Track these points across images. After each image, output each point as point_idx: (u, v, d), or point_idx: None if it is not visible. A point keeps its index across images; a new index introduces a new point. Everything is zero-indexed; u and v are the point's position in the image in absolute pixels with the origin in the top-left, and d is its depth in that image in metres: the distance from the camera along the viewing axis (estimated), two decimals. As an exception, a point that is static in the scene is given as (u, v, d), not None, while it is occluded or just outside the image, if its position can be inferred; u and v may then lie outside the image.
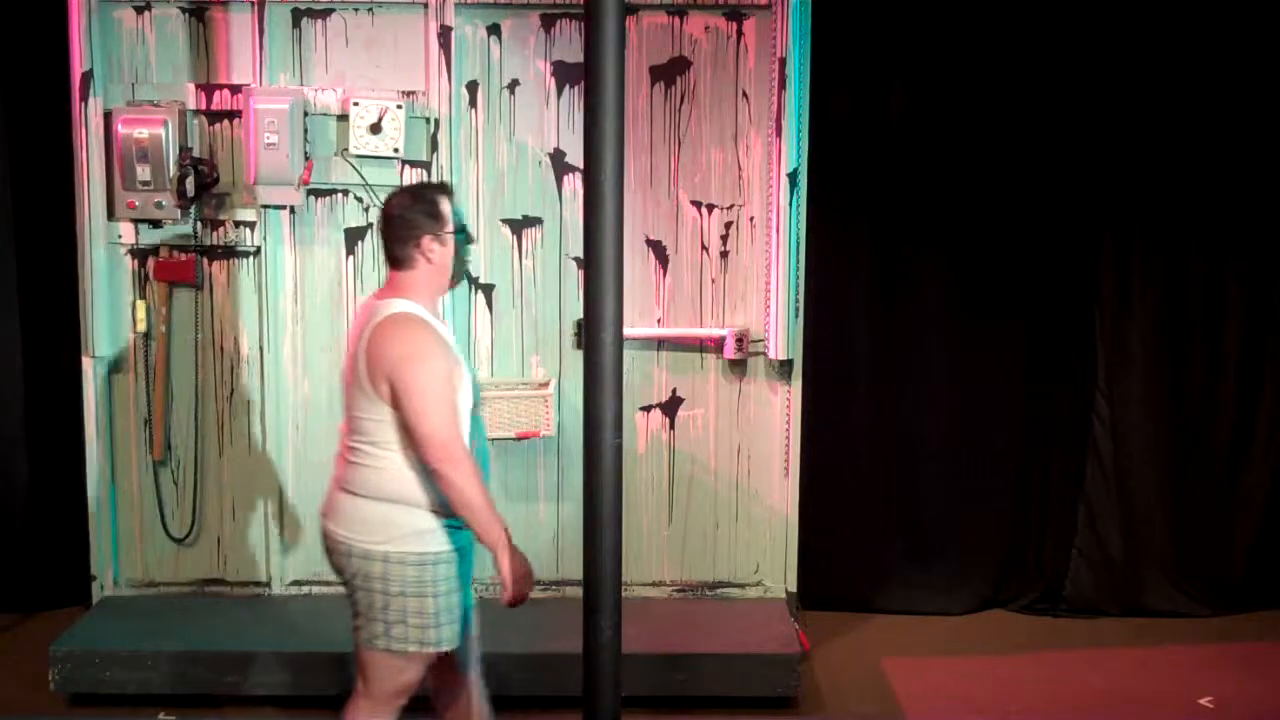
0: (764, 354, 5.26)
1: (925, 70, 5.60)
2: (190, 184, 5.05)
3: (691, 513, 5.38)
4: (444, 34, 5.09)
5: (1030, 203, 5.67)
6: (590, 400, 3.22)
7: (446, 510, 3.54)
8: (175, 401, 5.28)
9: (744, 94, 5.19)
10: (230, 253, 5.22)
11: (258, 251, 5.21)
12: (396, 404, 3.48)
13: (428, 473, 3.50)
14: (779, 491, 5.34)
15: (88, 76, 5.04)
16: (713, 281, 5.29)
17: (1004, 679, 5.24)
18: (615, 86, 3.12)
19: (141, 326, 5.23)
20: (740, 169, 5.23)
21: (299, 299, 5.24)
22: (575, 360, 5.10)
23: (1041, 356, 5.79)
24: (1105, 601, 5.86)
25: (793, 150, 5.10)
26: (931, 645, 5.56)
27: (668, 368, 5.32)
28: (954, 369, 5.77)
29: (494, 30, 5.14)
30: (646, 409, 5.33)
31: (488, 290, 5.24)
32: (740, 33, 5.16)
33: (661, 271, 5.28)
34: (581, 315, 4.74)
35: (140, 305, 5.22)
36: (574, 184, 5.17)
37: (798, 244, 5.17)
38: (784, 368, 5.27)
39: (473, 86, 5.17)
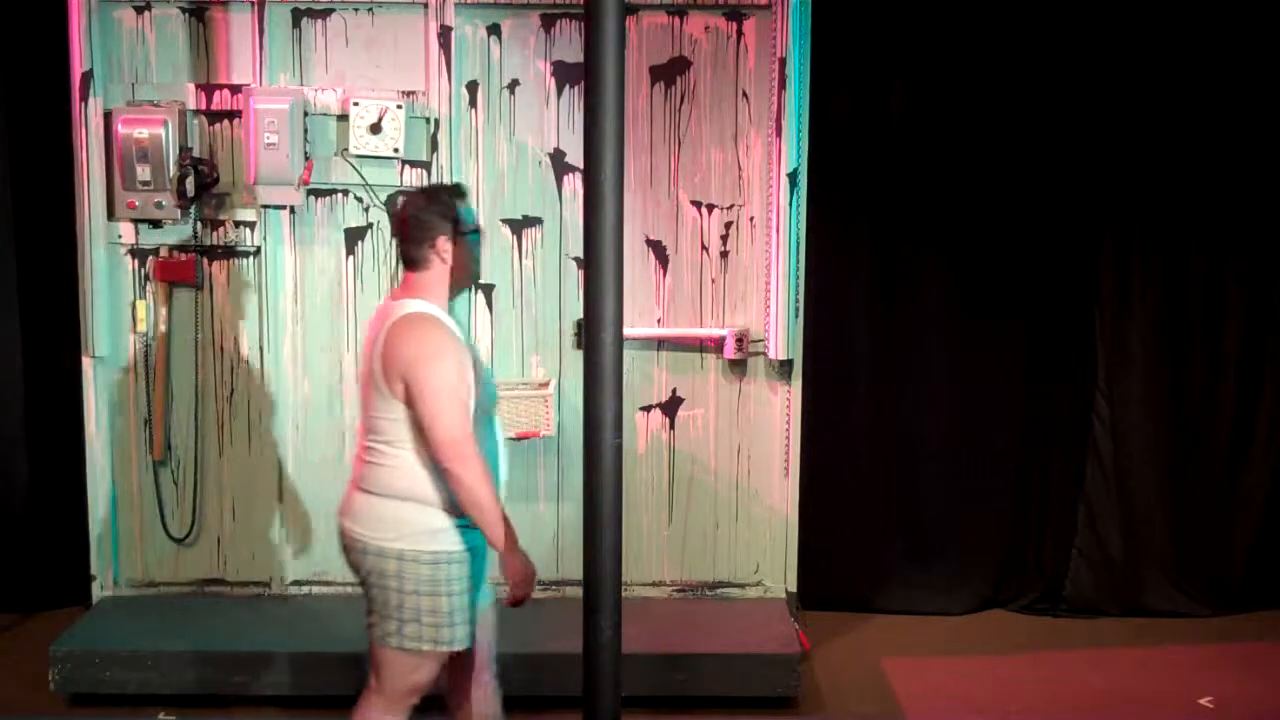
0: (764, 354, 5.26)
1: (925, 70, 5.60)
2: (190, 184, 5.05)
3: (691, 513, 5.38)
4: (444, 34, 5.09)
5: (1030, 203, 5.67)
6: (590, 400, 3.22)
7: (458, 510, 3.56)
8: (175, 401, 5.28)
9: (744, 94, 5.19)
10: (230, 253, 5.22)
11: (258, 251, 5.22)
12: (410, 403, 3.51)
13: (439, 471, 3.53)
14: (779, 491, 5.34)
15: (88, 76, 5.04)
16: (713, 281, 5.29)
17: (1004, 679, 5.24)
18: (615, 86, 3.12)
19: (141, 326, 5.23)
20: (740, 169, 5.23)
21: (299, 299, 5.24)
22: (575, 360, 5.10)
23: (1041, 356, 5.80)
24: (1105, 601, 5.87)
25: (793, 150, 5.10)
26: (931, 645, 5.56)
27: (668, 368, 5.32)
28: (954, 369, 5.77)
29: (494, 30, 5.14)
30: (646, 409, 5.33)
31: (488, 290, 5.24)
32: (740, 33, 5.16)
33: (661, 271, 5.28)
34: (581, 315, 4.74)
35: (140, 305, 5.22)
36: (574, 184, 5.17)
37: (798, 244, 5.17)
38: (784, 368, 5.27)
39: (473, 86, 5.17)
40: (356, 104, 5.05)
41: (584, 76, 3.15)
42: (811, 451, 5.46)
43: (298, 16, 5.12)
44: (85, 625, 5.07)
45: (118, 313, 5.23)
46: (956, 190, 5.65)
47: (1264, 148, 5.63)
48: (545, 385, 5.23)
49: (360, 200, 5.20)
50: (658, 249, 5.27)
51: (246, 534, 5.34)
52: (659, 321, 5.30)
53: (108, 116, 5.08)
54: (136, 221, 5.16)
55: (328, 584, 5.36)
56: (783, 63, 5.07)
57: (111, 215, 5.13)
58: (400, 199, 3.76)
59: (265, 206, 5.17)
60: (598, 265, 3.17)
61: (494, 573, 3.73)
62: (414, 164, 5.15)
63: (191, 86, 5.13)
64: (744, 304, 5.29)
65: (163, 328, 5.24)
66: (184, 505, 5.33)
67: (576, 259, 5.16)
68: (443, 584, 3.58)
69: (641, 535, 5.35)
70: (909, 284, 5.74)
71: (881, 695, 5.08)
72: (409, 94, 5.10)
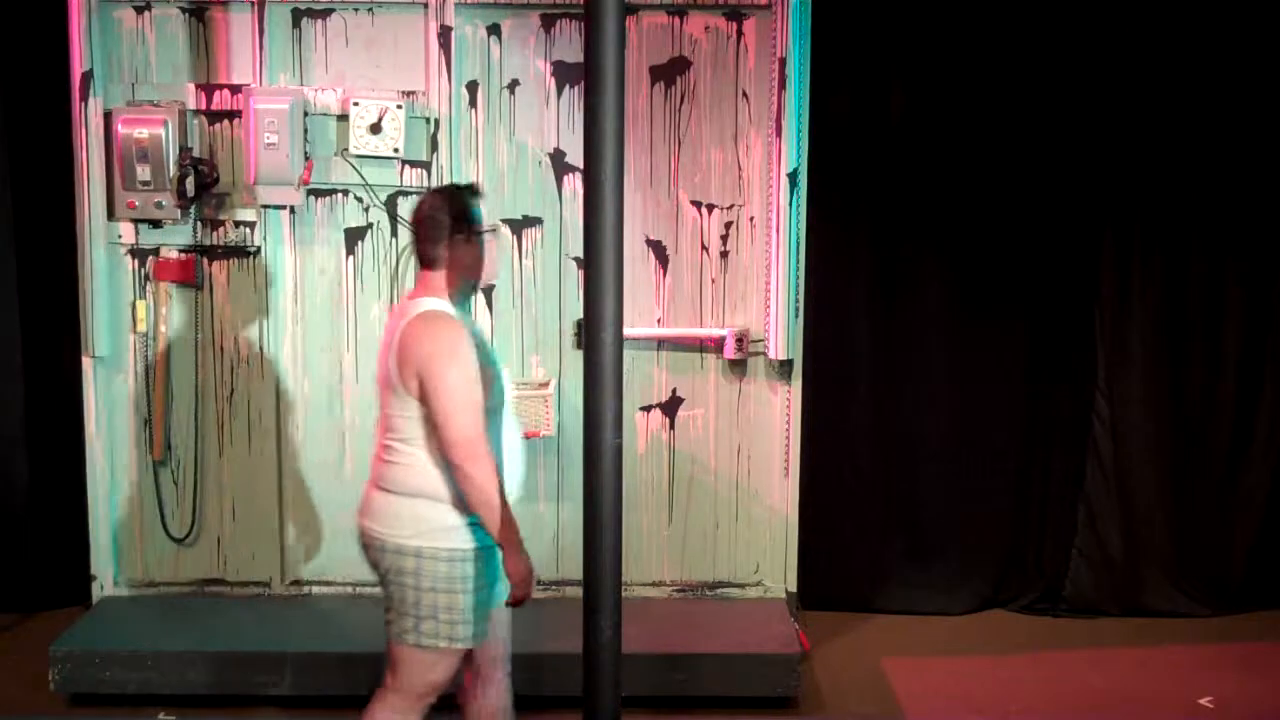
0: (764, 354, 5.26)
1: (925, 70, 5.60)
2: (190, 184, 5.05)
3: (691, 513, 5.38)
4: (444, 34, 5.09)
5: (1030, 203, 5.67)
6: (590, 400, 3.22)
7: (469, 507, 3.59)
8: (175, 401, 5.28)
9: (744, 94, 5.19)
10: (230, 253, 5.22)
11: (258, 251, 5.22)
12: (424, 400, 3.54)
13: (450, 468, 3.55)
14: (779, 491, 5.34)
15: (88, 76, 5.04)
16: (713, 281, 5.29)
17: (1004, 679, 5.24)
18: (615, 86, 3.12)
19: (141, 326, 5.23)
20: (740, 169, 5.23)
21: (299, 299, 5.24)
22: (575, 360, 5.10)
23: (1041, 356, 5.80)
24: (1105, 601, 5.87)
25: (793, 150, 5.10)
26: (931, 645, 5.56)
27: (668, 368, 5.32)
28: (954, 369, 5.77)
29: (494, 30, 5.14)
30: (646, 409, 5.33)
31: (488, 290, 5.23)
32: (740, 33, 5.16)
33: (661, 271, 5.28)
34: (581, 315, 4.74)
35: (140, 305, 5.22)
36: (574, 184, 5.17)
37: (798, 244, 5.17)
38: (784, 368, 5.27)
39: (473, 86, 5.17)
40: (356, 104, 5.05)
41: (584, 76, 3.15)
42: (811, 451, 5.46)
43: (298, 16, 5.12)
44: (85, 625, 5.07)
45: (118, 313, 5.23)
46: (956, 190, 5.65)
47: (1264, 148, 5.63)
48: (545, 385, 5.23)
49: (360, 200, 5.20)
50: (658, 249, 5.27)
51: (246, 534, 5.34)
52: (659, 321, 5.30)
53: (108, 116, 5.08)
54: (136, 221, 5.16)
55: (328, 584, 5.36)
56: (783, 63, 5.07)
57: (111, 215, 5.13)
58: (417, 199, 3.79)
59: (265, 206, 5.17)
60: (598, 265, 3.17)
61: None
62: (414, 164, 5.15)
63: (191, 86, 5.13)
64: (744, 304, 5.29)
65: (163, 328, 5.24)
66: (184, 505, 5.33)
67: (576, 259, 5.16)
68: (459, 581, 3.60)
69: (641, 535, 5.35)
70: (909, 284, 5.74)
71: (881, 695, 5.08)
72: (409, 94, 5.10)
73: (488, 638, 3.74)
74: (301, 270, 5.23)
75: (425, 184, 5.15)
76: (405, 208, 5.18)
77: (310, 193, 5.18)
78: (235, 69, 5.13)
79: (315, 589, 5.35)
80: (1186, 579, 5.87)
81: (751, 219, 5.25)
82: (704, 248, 5.27)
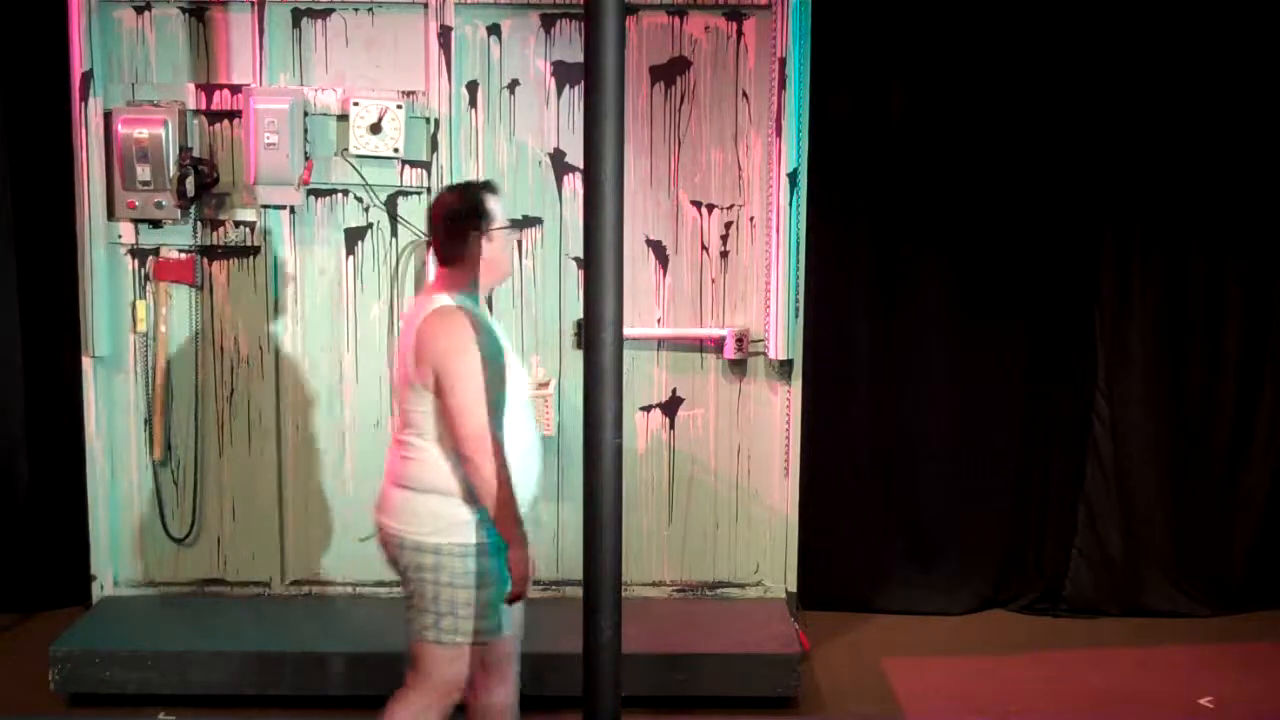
0: (764, 354, 5.26)
1: (925, 70, 5.60)
2: (190, 184, 5.05)
3: (691, 513, 5.38)
4: (444, 34, 5.09)
5: (1030, 203, 5.67)
6: (590, 400, 3.22)
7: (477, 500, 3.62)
8: (175, 401, 5.28)
9: (744, 94, 5.19)
10: (230, 253, 5.22)
11: (258, 251, 5.22)
12: (439, 394, 3.58)
13: (461, 462, 3.59)
14: (779, 491, 5.34)
15: (88, 76, 5.04)
16: (713, 281, 5.29)
17: (1004, 679, 5.24)
18: (615, 86, 3.12)
19: (141, 326, 5.23)
20: (740, 169, 5.23)
21: (299, 299, 5.24)
22: (575, 360, 5.10)
23: (1041, 356, 5.80)
24: (1105, 601, 5.87)
25: (793, 150, 5.10)
26: (931, 645, 5.56)
27: (668, 368, 5.32)
28: (954, 369, 5.77)
29: (494, 30, 5.14)
30: (646, 409, 5.33)
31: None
32: (740, 33, 5.16)
33: (661, 271, 5.28)
34: (581, 315, 4.74)
35: (140, 305, 5.22)
36: (574, 184, 5.17)
37: (798, 244, 5.17)
38: (784, 368, 5.27)
39: (473, 86, 5.16)
40: (356, 104, 5.05)
41: (584, 76, 3.15)
42: (811, 451, 5.46)
43: (298, 16, 5.12)
44: (85, 625, 5.07)
45: (118, 313, 5.23)
46: (956, 190, 5.65)
47: (1264, 148, 5.63)
48: (545, 385, 5.23)
49: (360, 200, 5.19)
50: (658, 249, 5.27)
51: (246, 534, 5.34)
52: (659, 321, 5.30)
53: (108, 116, 5.07)
54: (136, 221, 5.16)
55: (328, 584, 5.36)
56: (783, 63, 5.07)
57: (111, 215, 5.13)
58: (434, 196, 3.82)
59: (265, 206, 5.17)
60: (598, 265, 3.17)
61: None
62: (414, 164, 5.15)
63: (191, 86, 5.13)
64: (744, 304, 5.29)
65: (163, 328, 5.24)
66: (184, 505, 5.32)
67: (576, 259, 5.16)
68: (477, 576, 3.63)
69: (641, 535, 5.35)
70: (909, 284, 5.74)
71: (881, 695, 5.08)
72: (409, 94, 5.10)
73: (508, 632, 3.77)
74: (301, 270, 5.23)
75: (425, 184, 5.15)
76: (405, 208, 5.18)
77: (310, 193, 5.18)
78: (235, 69, 5.13)
79: (315, 589, 5.35)
80: (1186, 579, 5.87)
81: (751, 219, 5.25)
82: (704, 248, 5.27)
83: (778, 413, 5.31)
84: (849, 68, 5.56)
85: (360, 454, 5.28)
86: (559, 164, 5.21)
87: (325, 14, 5.12)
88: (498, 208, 3.75)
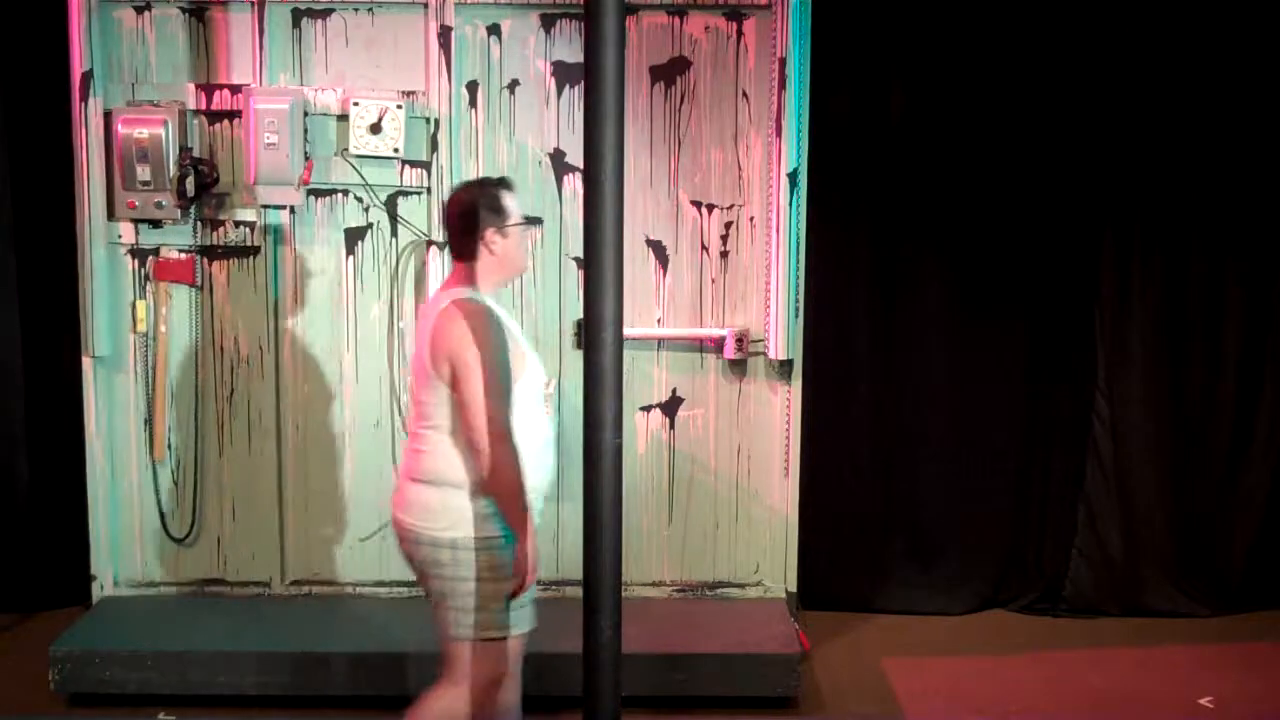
0: (764, 354, 5.26)
1: (925, 70, 5.60)
2: (190, 184, 5.05)
3: (691, 513, 5.38)
4: (444, 34, 5.09)
5: (1030, 203, 5.67)
6: (590, 400, 3.22)
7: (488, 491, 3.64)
8: (175, 401, 5.28)
9: (744, 94, 5.19)
10: (230, 253, 5.22)
11: (258, 251, 5.22)
12: (454, 386, 3.61)
13: (473, 454, 3.61)
14: (779, 491, 5.34)
15: (88, 76, 5.04)
16: (713, 281, 5.29)
17: (1004, 679, 5.24)
18: (615, 86, 3.12)
19: (141, 326, 5.23)
20: (740, 169, 5.23)
21: (299, 299, 5.24)
22: (575, 360, 5.10)
23: (1041, 356, 5.79)
24: (1105, 601, 5.87)
25: (793, 150, 5.10)
26: (931, 645, 5.56)
27: (668, 368, 5.32)
28: (954, 369, 5.77)
29: (494, 30, 5.14)
30: (646, 409, 5.33)
31: (488, 290, 5.23)
32: (740, 33, 5.16)
33: (661, 271, 5.28)
34: (581, 315, 4.74)
35: (140, 305, 5.22)
36: (574, 184, 5.17)
37: (798, 244, 5.17)
38: (784, 368, 5.27)
39: (473, 86, 5.16)
40: (356, 104, 5.05)
41: (584, 76, 3.15)
42: (811, 451, 5.46)
43: (298, 16, 5.12)
44: (85, 625, 5.07)
45: (118, 313, 5.23)
46: (956, 190, 5.65)
47: (1264, 148, 5.63)
48: (546, 385, 5.21)
49: (360, 200, 5.19)
50: (658, 249, 5.27)
51: (246, 534, 5.34)
52: (659, 321, 5.30)
53: (108, 116, 5.07)
54: (136, 221, 5.16)
55: (327, 584, 5.36)
56: (783, 63, 5.07)
57: (111, 215, 5.13)
58: (450, 192, 3.87)
59: (265, 206, 5.17)
60: (598, 265, 3.17)
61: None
62: (414, 164, 5.15)
63: (191, 86, 5.13)
64: (744, 304, 5.29)
65: (163, 328, 5.24)
66: (184, 505, 5.32)
67: (576, 259, 5.16)
68: (499, 568, 3.65)
69: (641, 535, 5.35)
70: (909, 284, 5.74)
71: (881, 695, 5.07)
72: (409, 94, 5.10)
73: (530, 628, 3.78)
74: (301, 270, 5.23)
75: (425, 184, 5.15)
76: (405, 208, 5.18)
77: (310, 193, 5.18)
78: (235, 69, 5.13)
79: (315, 589, 5.35)
80: (1186, 579, 5.87)
81: (751, 219, 5.25)
82: (704, 248, 5.27)
83: (778, 413, 5.30)
84: (849, 68, 5.56)
85: (360, 454, 5.28)
86: (559, 164, 5.21)
87: (325, 14, 5.12)
88: (513, 204, 3.79)
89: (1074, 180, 5.66)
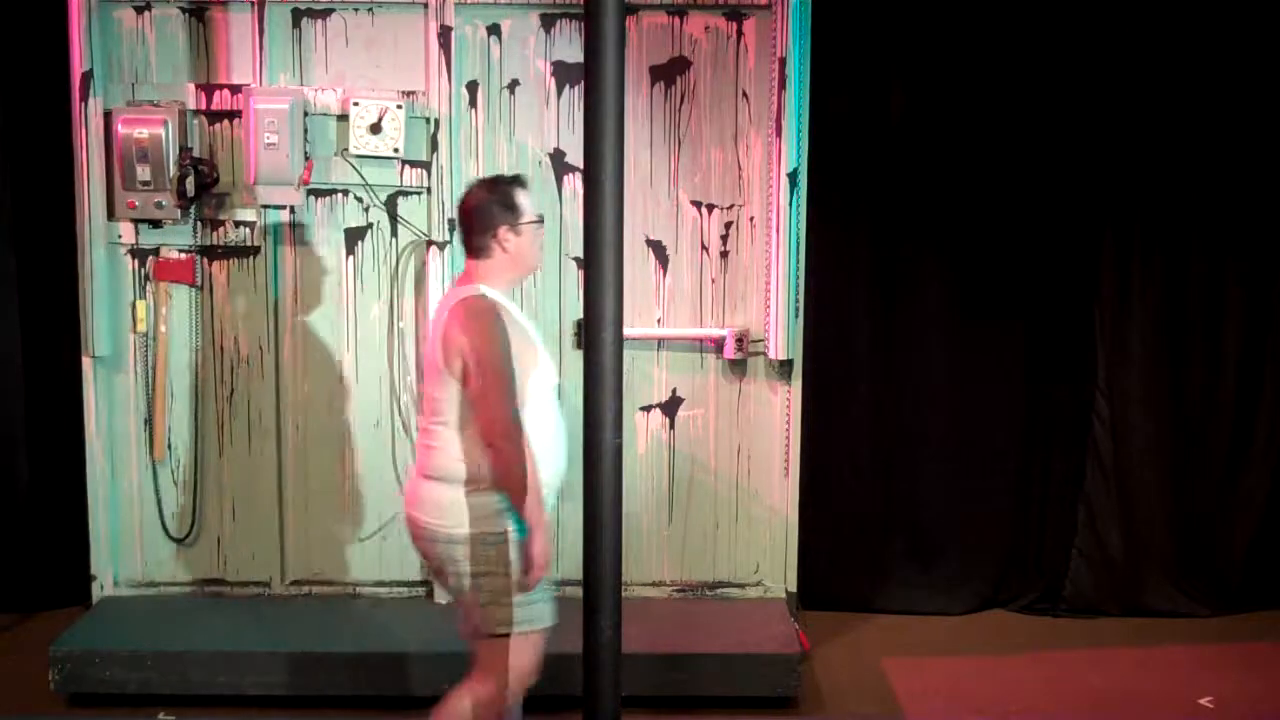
0: (764, 354, 5.26)
1: (925, 70, 5.60)
2: (190, 184, 5.05)
3: (691, 513, 5.38)
4: (444, 34, 5.09)
5: (1030, 203, 5.67)
6: (590, 400, 3.22)
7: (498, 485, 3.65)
8: (175, 401, 5.28)
9: (744, 94, 5.19)
10: (230, 253, 5.22)
11: (258, 251, 5.22)
12: (465, 382, 3.63)
13: (484, 449, 3.63)
14: (779, 491, 5.34)
15: (88, 76, 5.04)
16: (713, 281, 5.29)
17: (1004, 679, 5.24)
18: (615, 86, 3.11)
19: (141, 326, 5.23)
20: (740, 169, 5.23)
21: (299, 299, 5.24)
22: (575, 360, 5.09)
23: (1041, 356, 5.79)
24: (1105, 601, 5.86)
25: (793, 150, 5.10)
26: (931, 645, 5.56)
27: (668, 368, 5.32)
28: (954, 369, 5.77)
29: (494, 30, 5.14)
30: (646, 409, 5.33)
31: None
32: (740, 33, 5.16)
33: (661, 271, 5.28)
34: (581, 315, 4.74)
35: (140, 305, 5.22)
36: (574, 184, 5.17)
37: (798, 244, 5.17)
38: (784, 368, 5.27)
39: (473, 86, 5.16)
40: (356, 104, 5.05)
41: (584, 76, 3.15)
42: (811, 451, 5.46)
43: (298, 16, 5.12)
44: (85, 625, 5.07)
45: (118, 313, 5.23)
46: (956, 190, 5.65)
47: (1264, 148, 5.63)
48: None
49: (360, 200, 5.19)
50: (658, 249, 5.27)
51: (246, 534, 5.34)
52: (659, 321, 5.30)
53: (108, 116, 5.08)
54: (136, 221, 5.16)
55: (328, 584, 5.36)
56: (783, 63, 5.07)
57: (111, 215, 5.13)
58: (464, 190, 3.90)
59: (265, 206, 5.17)
60: (598, 265, 3.17)
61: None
62: (414, 164, 5.15)
63: (191, 86, 5.13)
64: (744, 304, 5.29)
65: (163, 328, 5.24)
66: (184, 505, 5.32)
67: (576, 259, 5.16)
68: (512, 565, 3.66)
69: (641, 535, 5.35)
70: (909, 284, 5.74)
71: (881, 695, 5.07)
72: (409, 94, 5.10)
73: (551, 623, 3.79)
74: (301, 270, 5.23)
75: (425, 184, 5.15)
76: (405, 208, 5.18)
77: (310, 193, 5.18)
78: (235, 69, 5.13)
79: (315, 589, 5.35)
80: (1186, 579, 5.87)
81: (751, 219, 5.25)
82: (704, 248, 5.27)
83: (778, 413, 5.30)
84: (849, 68, 5.56)
85: (360, 454, 5.28)
86: (559, 164, 5.21)
87: (325, 14, 5.12)
88: (527, 202, 3.82)
89: (1074, 180, 5.66)
